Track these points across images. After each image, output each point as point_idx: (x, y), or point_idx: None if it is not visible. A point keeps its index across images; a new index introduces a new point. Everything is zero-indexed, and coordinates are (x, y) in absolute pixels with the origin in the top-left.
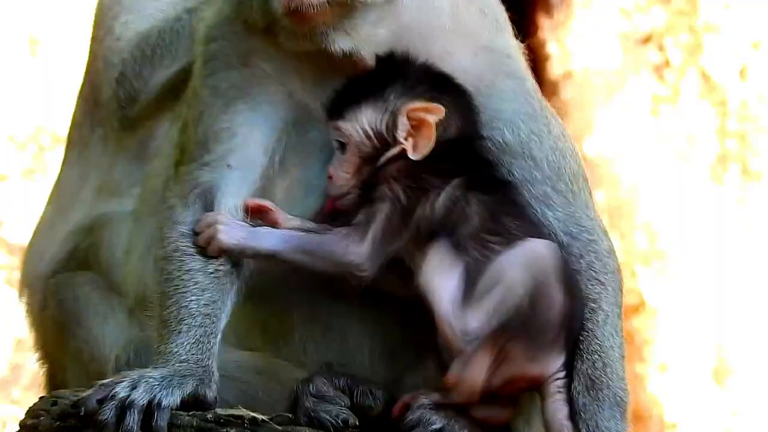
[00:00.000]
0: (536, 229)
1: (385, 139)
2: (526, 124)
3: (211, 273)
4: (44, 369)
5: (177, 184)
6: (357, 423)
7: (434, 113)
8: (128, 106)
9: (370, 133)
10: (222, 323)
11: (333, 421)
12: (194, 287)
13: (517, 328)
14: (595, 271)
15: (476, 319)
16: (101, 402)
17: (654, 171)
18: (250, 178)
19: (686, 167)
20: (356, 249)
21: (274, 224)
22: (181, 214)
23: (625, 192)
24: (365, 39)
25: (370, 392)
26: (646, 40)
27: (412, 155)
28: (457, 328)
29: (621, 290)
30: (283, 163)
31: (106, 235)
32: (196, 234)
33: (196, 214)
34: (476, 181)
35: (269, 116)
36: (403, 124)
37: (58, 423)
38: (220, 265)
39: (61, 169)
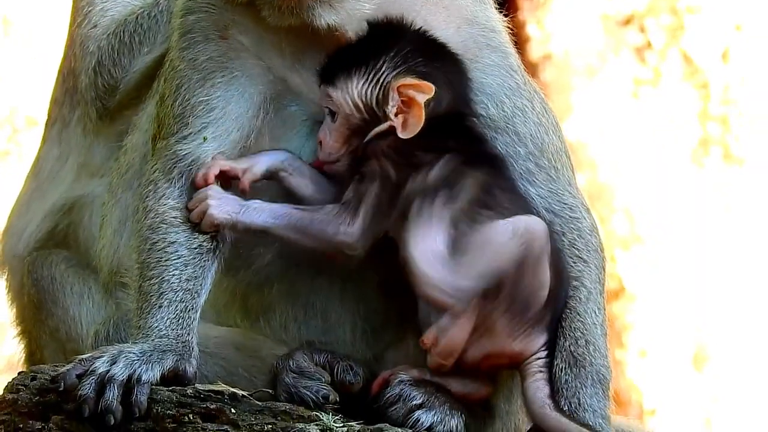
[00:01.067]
0: (527, 205)
1: (374, 112)
2: (510, 98)
3: (195, 248)
4: (23, 345)
5: (157, 158)
6: (337, 399)
7: (424, 91)
8: (107, 96)
9: (360, 105)
10: (202, 299)
11: (313, 397)
12: (177, 261)
13: (502, 300)
14: (577, 249)
15: (461, 277)
16: (80, 377)
17: (634, 154)
18: (226, 151)
19: (667, 151)
20: (348, 229)
21: (243, 191)
22: (166, 189)
23: (604, 175)
24: (350, 13)
25: (350, 368)
26: (627, 21)
27: (401, 133)
28: (440, 284)
29: (604, 268)
30: (263, 137)
31: (85, 215)
32: (189, 210)
33: (181, 188)
34: (468, 156)
35: (247, 89)
36: (393, 100)
37: (37, 398)
38: (204, 241)
39: (41, 147)
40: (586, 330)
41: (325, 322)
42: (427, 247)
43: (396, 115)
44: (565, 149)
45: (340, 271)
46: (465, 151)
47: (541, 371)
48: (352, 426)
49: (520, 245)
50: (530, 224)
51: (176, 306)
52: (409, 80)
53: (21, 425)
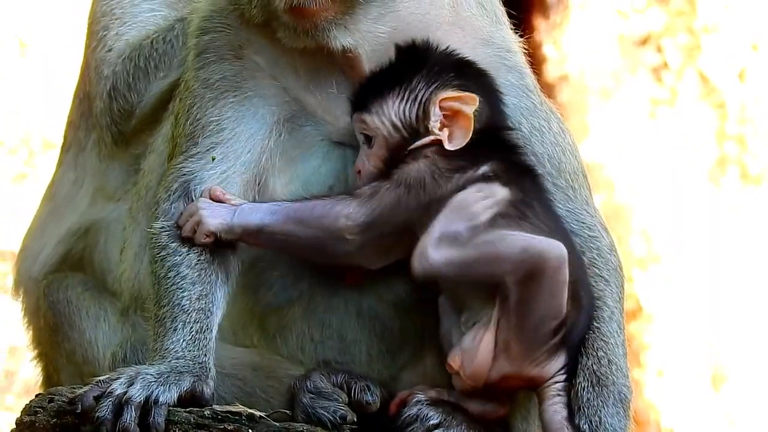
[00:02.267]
0: (558, 224)
1: (415, 130)
2: (527, 119)
3: (195, 265)
4: (40, 368)
5: (166, 177)
6: (355, 419)
7: (469, 103)
8: (122, 121)
9: (399, 124)
10: (217, 317)
11: (331, 417)
12: (182, 282)
13: (513, 317)
14: (597, 268)
15: (442, 254)
16: (98, 399)
17: (651, 175)
18: (236, 172)
19: (684, 171)
20: (351, 212)
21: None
22: (165, 208)
23: (621, 196)
24: (365, 35)
25: (367, 388)
26: (644, 41)
27: (449, 146)
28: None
29: (623, 287)
30: (279, 159)
31: (100, 239)
32: (179, 227)
33: (178, 207)
34: (505, 168)
35: (260, 110)
36: (436, 115)
37: (54, 420)
38: (201, 255)
39: (57, 170)
40: (608, 350)
41: (341, 342)
42: (440, 229)
43: (441, 129)
44: (582, 169)
45: (357, 290)
46: (502, 163)
47: (559, 395)
48: None
49: (525, 263)
50: (546, 249)
51: (191, 327)
52: (451, 93)
53: None
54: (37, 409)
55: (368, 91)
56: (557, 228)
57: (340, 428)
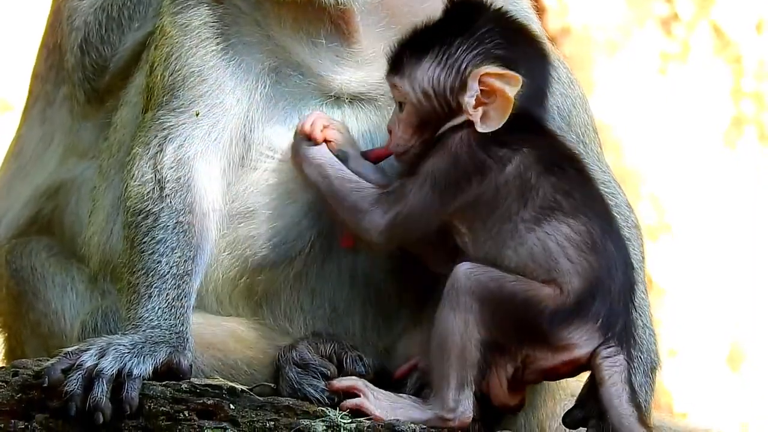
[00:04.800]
0: (604, 210)
1: (448, 102)
2: None
3: (174, 228)
4: (3, 341)
5: (140, 131)
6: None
7: (512, 83)
8: (96, 77)
9: (431, 92)
10: (196, 284)
11: (319, 396)
12: (159, 246)
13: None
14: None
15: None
16: (66, 372)
17: (662, 136)
18: (221, 126)
19: (697, 132)
20: (376, 219)
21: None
22: (143, 165)
23: (629, 160)
24: None
25: (359, 359)
26: None
27: (480, 127)
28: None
29: (644, 245)
30: (269, 111)
31: (71, 199)
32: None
33: (158, 164)
34: (544, 154)
35: (245, 58)
36: (472, 90)
37: (19, 395)
38: (180, 217)
39: (21, 125)
40: (641, 312)
41: (333, 311)
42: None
43: (475, 107)
44: (592, 123)
45: (351, 255)
46: (541, 149)
47: (616, 371)
48: (361, 422)
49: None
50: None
51: (167, 294)
52: (494, 69)
53: (2, 425)
54: (0, 383)
55: (404, 51)
56: (602, 214)
57: (330, 406)
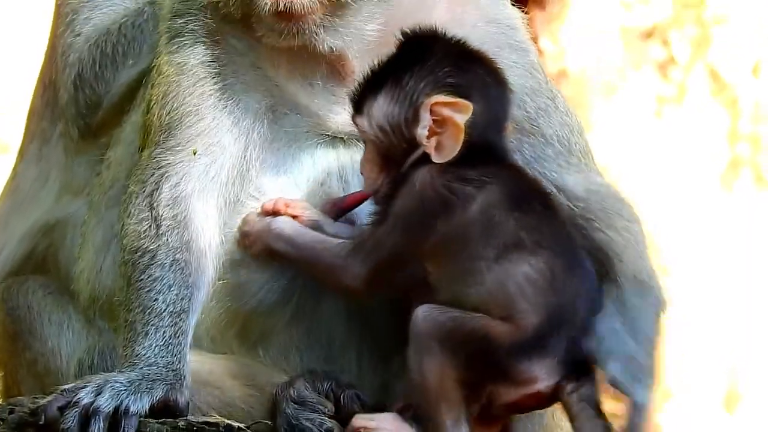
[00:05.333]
0: (572, 245)
1: (405, 136)
2: (532, 99)
3: (171, 266)
4: (0, 378)
5: (137, 169)
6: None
7: (462, 111)
8: (89, 113)
9: (387, 127)
10: (192, 321)
11: (316, 430)
12: (155, 284)
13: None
14: (620, 216)
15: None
16: (63, 409)
17: (658, 178)
18: (219, 165)
19: (694, 174)
20: (355, 270)
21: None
22: (140, 203)
23: None
24: (354, 34)
25: (356, 397)
26: (649, 34)
27: (435, 158)
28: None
29: (643, 232)
30: (265, 151)
31: (67, 237)
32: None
33: (154, 202)
34: (510, 190)
35: (242, 97)
36: (424, 120)
37: None
38: (176, 255)
39: (17, 163)
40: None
41: (329, 348)
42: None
43: (429, 137)
44: (590, 150)
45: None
46: (505, 184)
47: (584, 406)
48: None
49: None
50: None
51: (164, 332)
52: (443, 98)
53: None
54: None
55: (362, 90)
56: (572, 250)
57: None
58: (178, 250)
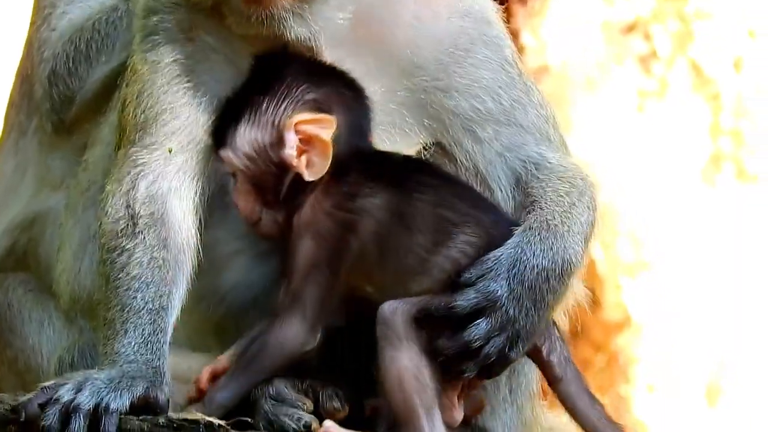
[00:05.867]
0: (492, 206)
1: (272, 160)
2: (506, 92)
3: (148, 264)
4: None
5: (115, 168)
6: (320, 427)
7: (326, 126)
8: (63, 109)
9: (254, 155)
10: (172, 318)
11: (294, 425)
12: (133, 282)
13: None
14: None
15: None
16: (43, 406)
17: (639, 173)
18: (195, 162)
19: (675, 169)
20: (300, 332)
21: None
22: (116, 202)
23: (607, 196)
24: (325, 23)
25: (335, 394)
26: (631, 28)
27: (308, 176)
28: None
29: (595, 212)
30: None
31: (47, 231)
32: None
33: (130, 200)
34: (403, 181)
35: (216, 95)
36: (290, 141)
37: None
38: (154, 253)
39: None
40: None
41: None
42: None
43: (298, 157)
44: (567, 146)
45: None
46: (394, 179)
47: (563, 366)
48: None
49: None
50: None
51: (143, 329)
52: (305, 115)
53: None
54: None
55: (222, 123)
56: (493, 211)
57: None
58: (156, 248)
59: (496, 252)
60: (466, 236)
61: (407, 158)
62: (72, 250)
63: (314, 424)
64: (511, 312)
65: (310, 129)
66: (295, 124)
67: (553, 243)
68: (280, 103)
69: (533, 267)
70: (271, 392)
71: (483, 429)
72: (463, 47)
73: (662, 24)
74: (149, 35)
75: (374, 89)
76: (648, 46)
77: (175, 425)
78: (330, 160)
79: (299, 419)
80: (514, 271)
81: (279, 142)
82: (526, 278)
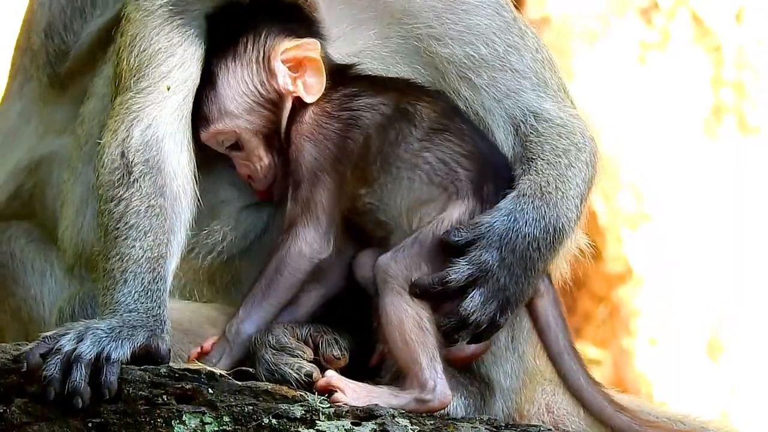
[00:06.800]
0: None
1: (269, 98)
2: (500, 37)
3: (146, 213)
4: None
5: (110, 118)
6: (321, 376)
7: (312, 47)
8: (57, 62)
9: (251, 102)
10: (171, 266)
11: (295, 375)
12: (131, 231)
13: None
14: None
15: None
16: (45, 356)
17: (641, 125)
18: (190, 101)
19: (677, 120)
20: (318, 241)
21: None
22: (113, 150)
23: (608, 148)
24: None
25: (335, 341)
26: None
27: (309, 98)
28: None
29: (595, 167)
30: None
31: (53, 173)
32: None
33: (125, 149)
34: (404, 92)
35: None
36: (281, 71)
37: None
38: (153, 199)
39: (4, 97)
40: (563, 183)
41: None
42: None
43: (294, 84)
44: (565, 87)
45: None
46: (392, 89)
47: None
48: (339, 406)
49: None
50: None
51: (142, 278)
52: (288, 42)
53: None
54: None
55: (203, 100)
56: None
57: (306, 386)
58: (153, 196)
59: (490, 219)
60: (460, 148)
61: (386, 78)
62: (74, 206)
63: (315, 373)
64: (502, 280)
65: (299, 53)
66: (281, 53)
67: (546, 212)
68: (256, 40)
69: (525, 236)
70: (271, 342)
71: (485, 377)
72: None
73: None
74: None
75: (367, 35)
76: None
77: (176, 375)
78: (324, 77)
79: (300, 368)
80: (506, 240)
81: (269, 77)
82: (517, 247)
